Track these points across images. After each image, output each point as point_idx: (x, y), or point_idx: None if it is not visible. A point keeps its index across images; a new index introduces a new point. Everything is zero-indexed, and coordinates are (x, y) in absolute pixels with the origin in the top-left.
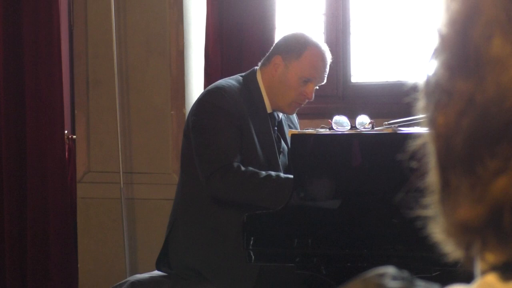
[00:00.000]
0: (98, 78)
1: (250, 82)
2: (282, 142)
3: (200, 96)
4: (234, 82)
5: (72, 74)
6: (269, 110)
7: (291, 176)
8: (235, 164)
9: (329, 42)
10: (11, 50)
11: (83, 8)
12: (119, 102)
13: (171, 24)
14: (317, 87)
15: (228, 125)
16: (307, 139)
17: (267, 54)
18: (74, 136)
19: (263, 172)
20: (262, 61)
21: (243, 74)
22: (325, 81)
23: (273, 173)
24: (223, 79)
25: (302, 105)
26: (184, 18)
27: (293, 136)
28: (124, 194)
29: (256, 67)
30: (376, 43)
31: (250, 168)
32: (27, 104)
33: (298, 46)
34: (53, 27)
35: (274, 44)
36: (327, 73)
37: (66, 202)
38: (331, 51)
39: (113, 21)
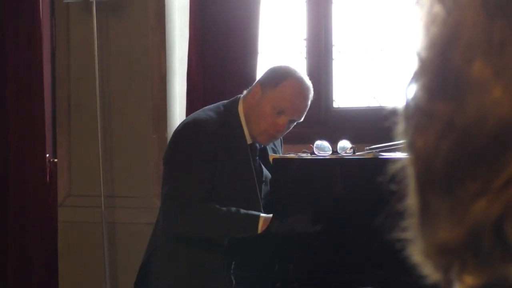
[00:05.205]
0: (80, 102)
1: (230, 113)
2: (265, 171)
3: (177, 127)
4: (212, 114)
5: (54, 98)
6: (249, 141)
7: (252, 212)
8: (195, 202)
9: (310, 67)
10: None
11: (66, 32)
12: (101, 126)
13: (154, 48)
14: (295, 123)
15: (199, 162)
16: (288, 163)
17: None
18: (56, 160)
19: (223, 209)
20: (247, 90)
21: (225, 102)
22: (302, 118)
23: (233, 208)
24: (204, 109)
25: (277, 137)
26: (166, 42)
27: (275, 160)
28: (106, 218)
29: (240, 95)
30: (358, 68)
31: (211, 204)
32: (9, 127)
33: (277, 76)
34: (36, 50)
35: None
36: (304, 109)
37: (47, 225)
38: (313, 76)
39: (96, 45)
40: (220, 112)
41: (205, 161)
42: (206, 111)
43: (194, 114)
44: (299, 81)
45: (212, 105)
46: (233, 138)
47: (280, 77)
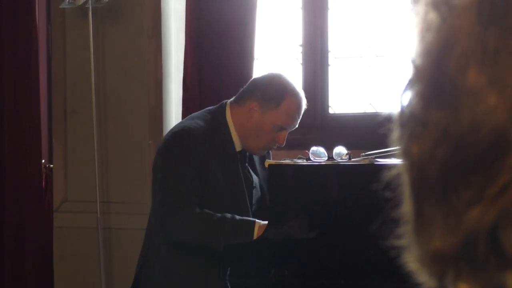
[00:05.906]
0: (76, 107)
1: (218, 120)
2: (254, 176)
3: (165, 136)
4: (200, 122)
5: (50, 103)
6: (238, 148)
7: (248, 218)
8: (189, 207)
9: (306, 73)
10: None
11: (62, 37)
12: (97, 132)
13: (150, 54)
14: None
15: (189, 169)
16: (284, 169)
17: (242, 91)
18: (51, 165)
19: (218, 215)
20: (235, 97)
21: (211, 109)
22: (297, 125)
23: (228, 214)
24: (190, 117)
25: (273, 149)
26: (162, 48)
27: (271, 166)
28: (101, 224)
29: (225, 101)
30: (354, 74)
31: (206, 210)
32: (5, 132)
33: (276, 96)
34: (32, 56)
35: (250, 83)
36: (300, 117)
37: (43, 231)
38: (309, 82)
39: (92, 50)
40: (207, 120)
41: (195, 168)
42: (194, 119)
43: (181, 123)
44: (297, 98)
45: (198, 112)
46: (222, 145)
47: (280, 97)
